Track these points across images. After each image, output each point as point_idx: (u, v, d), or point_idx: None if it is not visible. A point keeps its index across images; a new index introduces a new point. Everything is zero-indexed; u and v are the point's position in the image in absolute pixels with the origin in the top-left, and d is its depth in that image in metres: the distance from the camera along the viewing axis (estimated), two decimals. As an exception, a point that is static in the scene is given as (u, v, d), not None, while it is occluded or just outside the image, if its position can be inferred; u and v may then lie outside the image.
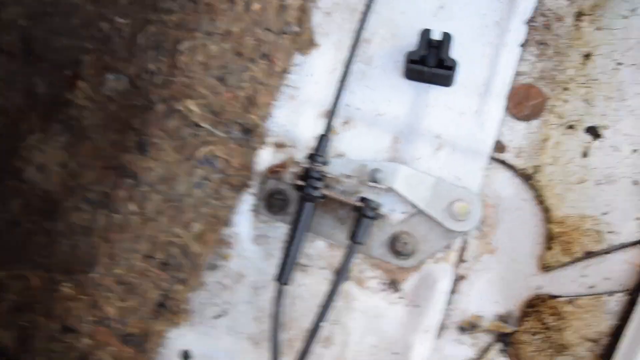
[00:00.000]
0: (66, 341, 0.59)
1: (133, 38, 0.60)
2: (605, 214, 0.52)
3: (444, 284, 0.56)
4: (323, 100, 0.59)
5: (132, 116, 0.59)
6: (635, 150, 0.52)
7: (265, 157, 0.59)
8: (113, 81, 0.60)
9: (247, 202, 0.59)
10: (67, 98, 0.63)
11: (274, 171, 0.59)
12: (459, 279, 0.57)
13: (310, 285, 0.58)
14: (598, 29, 0.55)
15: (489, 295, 0.57)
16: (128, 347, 0.58)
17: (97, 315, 0.58)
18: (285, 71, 0.59)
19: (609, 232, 0.52)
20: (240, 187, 0.58)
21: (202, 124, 0.57)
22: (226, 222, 0.59)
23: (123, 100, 0.60)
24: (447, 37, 0.55)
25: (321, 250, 0.58)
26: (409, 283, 0.57)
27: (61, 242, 0.60)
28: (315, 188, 0.54)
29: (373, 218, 0.54)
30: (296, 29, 0.59)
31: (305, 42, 0.59)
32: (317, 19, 0.60)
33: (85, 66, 0.62)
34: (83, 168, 0.61)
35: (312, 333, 0.53)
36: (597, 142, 0.53)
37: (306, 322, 0.58)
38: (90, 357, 0.59)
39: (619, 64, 0.54)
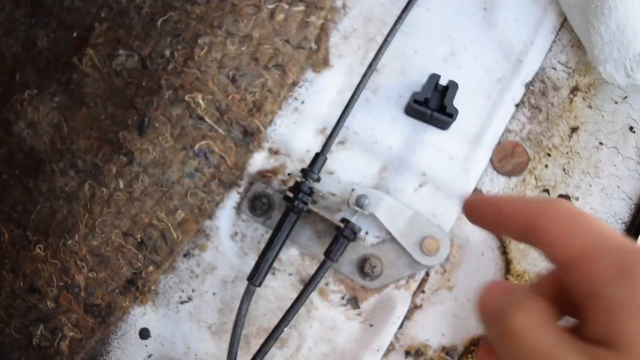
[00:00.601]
0: (30, 301, 0.61)
1: (153, 20, 0.61)
2: (561, 277, 0.58)
3: (401, 309, 0.60)
4: (325, 118, 0.62)
5: (137, 95, 0.61)
6: (598, 225, 0.58)
7: (258, 161, 0.62)
8: (124, 57, 0.61)
9: (232, 199, 0.62)
10: (71, 61, 0.64)
11: (264, 175, 0.62)
12: (414, 307, 0.62)
13: (276, 289, 0.62)
14: (589, 107, 0.60)
15: (439, 327, 0.61)
16: (90, 316, 0.60)
17: (65, 281, 0.60)
18: (295, 84, 0.62)
19: (562, 295, 0.57)
20: (229, 185, 0.61)
21: (206, 119, 0.60)
22: (209, 215, 0.61)
23: (130, 78, 0.61)
24: (453, 85, 0.59)
25: (293, 257, 0.62)
26: (369, 303, 0.61)
27: (41, 203, 0.61)
28: (304, 202, 0.57)
29: (351, 240, 0.58)
30: (314, 46, 0.62)
31: (319, 61, 0.62)
32: (334, 40, 0.63)
33: (96, 34, 0.63)
34: (76, 134, 0.62)
35: (273, 334, 0.57)
36: (566, 211, 0.59)
37: (266, 322, 0.62)
38: (51, 320, 0.60)
39: (601, 143, 0.59)
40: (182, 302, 0.62)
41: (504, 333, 0.31)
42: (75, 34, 0.64)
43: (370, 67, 0.59)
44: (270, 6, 0.60)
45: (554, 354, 0.30)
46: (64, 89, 0.63)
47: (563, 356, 0.29)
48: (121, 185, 0.60)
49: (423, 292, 0.62)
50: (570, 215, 0.34)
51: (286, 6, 0.60)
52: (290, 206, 0.58)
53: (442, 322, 0.61)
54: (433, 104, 0.60)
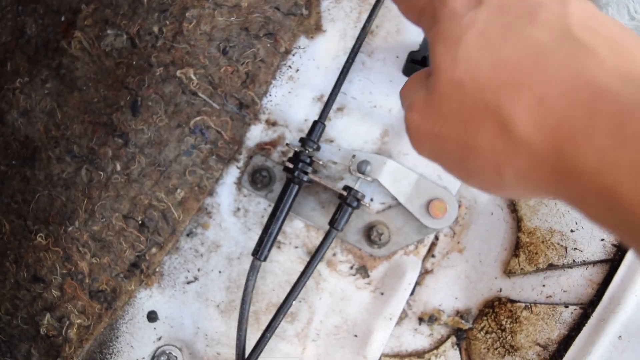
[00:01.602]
0: (34, 290, 0.61)
1: (137, -4, 0.61)
2: (573, 231, 0.57)
3: (412, 275, 0.60)
4: (321, 85, 0.62)
5: (128, 75, 0.61)
6: (609, 175, 0.57)
7: (256, 133, 0.62)
8: (112, 37, 0.62)
9: (232, 174, 0.62)
10: (60, 45, 0.64)
11: (263, 148, 0.62)
12: (425, 272, 0.62)
13: (283, 262, 0.62)
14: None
15: (452, 291, 0.61)
16: (96, 302, 0.61)
17: (69, 269, 0.60)
18: (288, 52, 0.61)
19: (574, 249, 0.57)
20: (228, 160, 0.61)
21: (199, 94, 0.60)
22: (210, 192, 0.62)
23: (120, 57, 0.61)
24: (449, 41, 0.59)
25: (298, 230, 0.62)
26: (378, 271, 0.62)
27: (39, 192, 0.62)
28: (304, 172, 0.57)
29: (355, 207, 0.58)
30: (305, 11, 0.61)
31: (311, 26, 0.62)
32: (326, 4, 0.62)
33: (83, 16, 0.63)
34: (70, 119, 0.62)
35: (281, 309, 0.57)
36: (575, 163, 0.58)
37: (275, 297, 0.62)
38: (57, 309, 0.61)
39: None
40: (188, 282, 0.62)
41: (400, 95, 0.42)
42: (62, 18, 0.64)
43: (364, 30, 0.58)
44: (257, -27, 0.60)
45: (410, 103, 0.37)
46: (55, 75, 0.63)
47: (414, 99, 0.37)
48: (118, 167, 0.60)
49: (433, 256, 0.62)
50: None
51: (273, -28, 0.60)
52: (291, 177, 0.58)
53: (455, 285, 0.61)
54: (431, 63, 0.59)
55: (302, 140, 0.58)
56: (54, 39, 0.64)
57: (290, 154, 0.60)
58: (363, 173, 0.59)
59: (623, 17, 0.56)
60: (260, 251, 0.58)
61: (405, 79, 0.61)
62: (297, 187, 0.58)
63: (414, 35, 0.61)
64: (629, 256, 0.54)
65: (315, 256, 0.58)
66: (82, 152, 0.61)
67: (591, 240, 0.57)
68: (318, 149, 0.59)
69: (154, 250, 0.60)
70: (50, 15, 0.65)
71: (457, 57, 0.33)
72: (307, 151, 0.58)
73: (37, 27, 0.66)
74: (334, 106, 0.61)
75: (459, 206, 0.61)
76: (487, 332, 0.59)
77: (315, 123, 0.58)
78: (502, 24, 0.33)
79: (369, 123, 0.62)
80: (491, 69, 0.32)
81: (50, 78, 0.63)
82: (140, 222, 0.60)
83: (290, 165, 0.57)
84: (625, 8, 0.55)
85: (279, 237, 0.62)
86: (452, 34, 0.34)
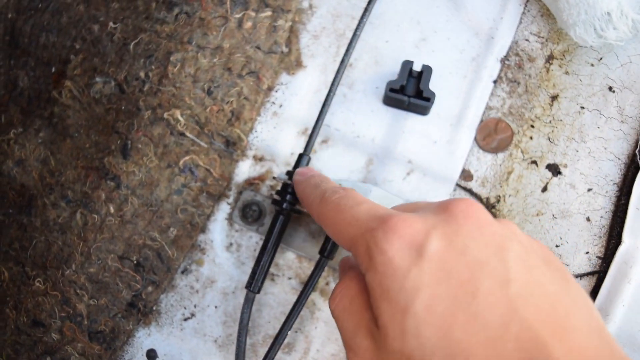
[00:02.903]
0: (34, 335, 0.64)
1: (125, 45, 0.66)
2: (557, 246, 0.60)
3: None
4: (305, 119, 0.65)
5: (117, 120, 0.65)
6: (590, 189, 0.60)
7: (244, 169, 0.65)
8: (100, 84, 0.66)
9: (223, 210, 0.65)
10: (52, 95, 0.68)
11: (252, 183, 0.65)
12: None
13: (277, 294, 0.65)
14: (566, 73, 0.63)
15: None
16: (96, 343, 0.64)
17: (67, 312, 0.63)
18: (271, 89, 0.65)
19: (561, 264, 0.60)
20: (218, 196, 0.65)
21: (187, 134, 0.64)
22: (202, 229, 0.65)
23: (109, 103, 0.65)
24: (427, 69, 0.63)
25: (290, 261, 0.65)
26: (373, 299, 0.64)
27: (36, 238, 0.65)
28: (291, 203, 0.61)
29: (344, 235, 0.61)
30: (285, 49, 0.66)
31: (292, 63, 0.66)
32: (305, 41, 0.66)
33: (72, 66, 0.68)
34: (63, 166, 0.66)
35: (277, 339, 0.60)
36: (556, 179, 0.61)
37: (271, 329, 0.65)
38: (57, 352, 0.64)
39: (582, 107, 0.62)
40: (185, 319, 0.65)
41: (332, 314, 0.40)
42: (53, 69, 0.69)
43: (343, 63, 0.62)
44: (238, 15, 0.64)
45: (351, 340, 0.37)
46: (48, 124, 0.67)
47: (357, 341, 0.37)
48: (112, 210, 0.64)
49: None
50: (341, 208, 0.41)
51: (253, 13, 0.64)
52: (279, 209, 0.61)
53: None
54: (410, 91, 0.63)
55: (288, 172, 0.61)
56: (45, 89, 0.68)
57: (279, 187, 0.64)
58: (349, 201, 0.62)
59: (590, 36, 0.59)
60: (253, 283, 0.61)
61: (386, 108, 0.65)
62: (285, 218, 0.61)
63: (391, 66, 0.65)
64: (614, 267, 0.57)
65: (307, 286, 0.60)
66: (76, 196, 0.64)
67: (576, 253, 0.59)
68: (304, 180, 0.62)
69: (150, 289, 0.64)
70: (41, 67, 0.69)
71: (406, 329, 0.33)
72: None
73: (29, 79, 0.70)
74: (319, 138, 0.65)
75: (447, 229, 0.64)
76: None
77: (300, 155, 0.62)
78: (448, 294, 0.33)
79: (353, 153, 0.65)
80: (443, 353, 0.32)
81: (43, 127, 0.67)
82: (135, 262, 0.63)
83: (278, 198, 0.61)
84: (591, 27, 0.59)
85: (273, 270, 0.65)
86: (397, 298, 0.34)
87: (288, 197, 0.60)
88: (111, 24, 0.67)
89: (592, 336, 0.32)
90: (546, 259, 0.36)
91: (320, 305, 0.64)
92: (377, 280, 0.35)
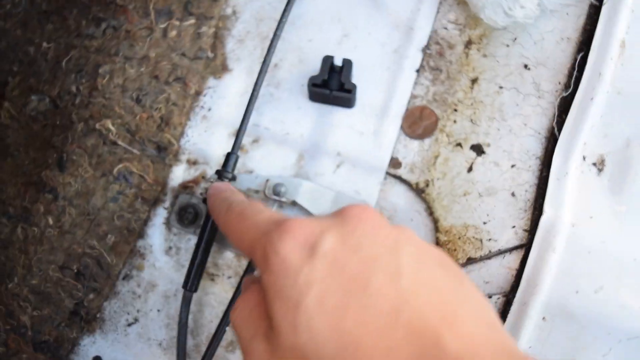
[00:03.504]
0: (-18, 350, 0.66)
1: (57, 62, 0.69)
2: (485, 223, 0.61)
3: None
4: (234, 120, 0.68)
5: (53, 135, 0.67)
6: (513, 165, 0.62)
7: (178, 174, 0.68)
8: (36, 101, 0.69)
9: (160, 215, 0.67)
10: (-7, 118, 0.71)
11: (186, 186, 0.68)
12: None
13: (218, 294, 0.66)
14: (484, 56, 0.65)
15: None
16: (40, 354, 0.65)
17: (11, 324, 0.65)
18: (199, 93, 0.68)
19: (489, 240, 0.61)
20: (153, 201, 0.67)
21: (119, 142, 0.66)
22: (140, 234, 0.67)
23: (45, 119, 0.68)
24: (347, 62, 0.65)
25: (229, 260, 0.66)
26: (312, 292, 0.66)
27: (-19, 255, 0.68)
28: (222, 200, 0.63)
29: (275, 228, 0.63)
30: (210, 54, 0.68)
31: (218, 67, 0.69)
32: (230, 45, 0.69)
33: (10, 87, 0.71)
34: (4, 184, 0.69)
35: (216, 335, 0.61)
36: (480, 158, 0.63)
37: (213, 328, 0.66)
38: (5, 366, 0.66)
39: (501, 87, 0.64)
40: (129, 325, 0.67)
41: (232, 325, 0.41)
42: (-7, 93, 0.72)
43: (265, 63, 0.65)
44: (162, 25, 0.67)
45: (248, 346, 0.38)
46: (-10, 145, 0.71)
47: (253, 346, 0.37)
48: (50, 221, 0.66)
49: (362, 269, 0.66)
50: (243, 217, 0.43)
51: (177, 22, 0.68)
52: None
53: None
54: (334, 85, 0.65)
55: (217, 172, 0.64)
56: (-14, 113, 0.72)
57: (212, 188, 0.66)
58: (278, 195, 0.64)
59: (499, 16, 0.62)
60: (189, 283, 0.63)
61: (312, 104, 0.67)
62: (218, 216, 0.63)
63: (315, 64, 0.67)
64: (538, 238, 0.58)
65: (241, 281, 0.62)
66: (16, 212, 0.67)
67: (503, 229, 0.61)
68: (234, 178, 0.64)
69: (91, 296, 0.65)
70: (-17, 92, 0.73)
71: (297, 324, 0.34)
72: (223, 182, 0.63)
73: (-26, 106, 0.73)
74: (250, 138, 0.67)
75: (380, 217, 0.65)
76: (421, 336, 0.62)
77: (228, 154, 0.64)
78: (340, 288, 0.34)
79: (284, 150, 0.67)
80: (334, 345, 0.32)
81: (-15, 149, 0.71)
82: (76, 270, 0.65)
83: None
84: (500, 7, 0.61)
85: (212, 270, 0.66)
86: (289, 294, 0.35)
87: (218, 195, 0.63)
88: (45, 44, 0.70)
89: (481, 326, 0.33)
90: (441, 261, 0.38)
91: (260, 302, 0.66)
92: (271, 281, 0.36)
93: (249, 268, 0.62)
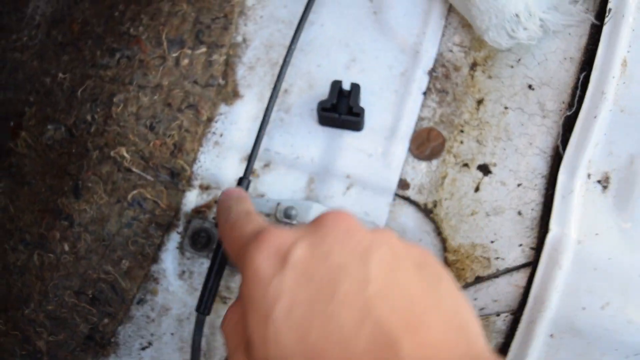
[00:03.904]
0: (-1, 375, 0.68)
1: (73, 92, 0.72)
2: (493, 242, 0.63)
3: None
4: (246, 145, 0.70)
5: (69, 163, 0.70)
6: (519, 184, 0.63)
7: (191, 199, 0.70)
8: (52, 131, 0.72)
9: (174, 240, 0.69)
10: (10, 147, 0.74)
11: (199, 211, 0.70)
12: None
13: (231, 317, 0.68)
14: (489, 77, 0.67)
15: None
16: (59, 379, 0.67)
17: (28, 349, 0.67)
18: (210, 120, 0.70)
19: (496, 258, 0.62)
20: (167, 226, 0.69)
21: (133, 169, 0.69)
22: (154, 259, 0.69)
23: (61, 148, 0.71)
24: (355, 87, 0.67)
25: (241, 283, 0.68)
26: (323, 313, 0.67)
27: (-1, 282, 0.70)
28: (233, 223, 0.65)
29: (286, 251, 0.65)
30: (221, 81, 0.71)
31: (229, 94, 0.71)
32: (241, 72, 0.72)
33: (27, 117, 0.74)
34: (21, 212, 0.71)
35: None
36: (487, 178, 0.65)
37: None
38: (23, 391, 0.68)
39: (506, 108, 0.66)
40: (143, 349, 0.68)
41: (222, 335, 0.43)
42: (11, 123, 0.75)
43: (275, 89, 0.67)
44: (175, 54, 0.70)
45: (231, 359, 0.39)
46: (7, 174, 0.73)
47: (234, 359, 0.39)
48: (66, 248, 0.68)
49: (373, 290, 0.67)
50: (235, 227, 0.45)
51: (189, 51, 0.70)
52: (222, 231, 0.65)
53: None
54: (343, 109, 0.67)
55: (228, 195, 0.66)
56: (4, 143, 0.74)
57: (224, 212, 0.68)
58: (289, 218, 0.66)
59: (503, 38, 0.64)
60: (202, 306, 0.64)
61: (322, 128, 0.69)
62: (229, 240, 0.65)
63: (325, 89, 0.69)
64: (545, 255, 0.59)
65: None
66: (33, 239, 0.69)
67: (510, 247, 0.62)
68: (245, 202, 0.66)
69: (106, 320, 0.67)
70: (0, 122, 0.76)
71: (266, 337, 0.35)
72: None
73: (-8, 136, 0.76)
74: (261, 163, 0.69)
75: (390, 238, 0.67)
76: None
77: (240, 179, 0.66)
78: (307, 299, 0.35)
79: (294, 174, 0.69)
80: (301, 358, 0.33)
81: (3, 178, 0.73)
82: (91, 296, 0.67)
83: (220, 220, 0.65)
84: (503, 30, 0.63)
85: (225, 293, 0.68)
86: (260, 306, 0.35)
87: (229, 218, 0.64)
88: (60, 74, 0.73)
89: (449, 331, 0.34)
90: (420, 262, 0.38)
91: (272, 324, 0.67)
92: (246, 291, 0.38)
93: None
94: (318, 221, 0.40)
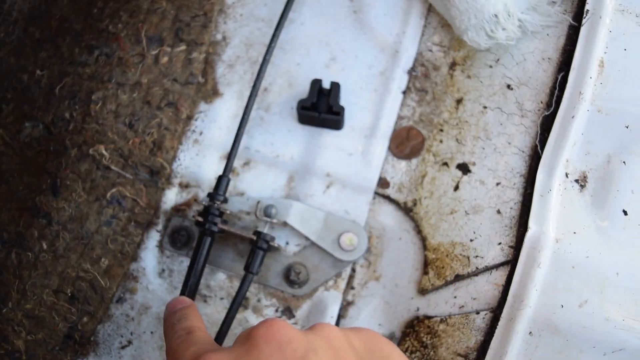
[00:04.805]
0: (-23, 375, 0.67)
1: (51, 89, 0.71)
2: (472, 240, 0.63)
3: (334, 309, 0.65)
4: (225, 144, 0.69)
5: (47, 160, 0.69)
6: (498, 183, 0.63)
7: (171, 197, 0.69)
8: (29, 128, 0.70)
9: (153, 238, 0.69)
10: (-13, 145, 0.73)
11: (179, 209, 0.69)
12: (347, 304, 0.67)
13: (211, 315, 0.67)
14: (468, 77, 0.67)
15: (375, 318, 0.66)
16: (37, 379, 0.66)
17: (6, 349, 0.66)
18: (190, 118, 0.70)
19: (476, 257, 0.62)
20: (146, 225, 0.68)
21: (112, 167, 0.68)
22: (133, 257, 0.68)
23: (39, 146, 0.70)
24: (335, 85, 0.67)
25: (222, 281, 0.68)
26: (302, 310, 0.67)
27: (-24, 281, 0.69)
28: (214, 224, 0.64)
29: (266, 250, 0.64)
30: (201, 79, 0.70)
31: (209, 92, 0.70)
32: (220, 70, 0.71)
33: (4, 114, 0.73)
34: (-1, 210, 0.70)
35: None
36: (466, 177, 0.65)
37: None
38: (0, 391, 0.67)
39: (485, 107, 0.66)
40: (122, 347, 0.68)
41: None
42: (-12, 121, 0.74)
43: (254, 87, 0.67)
44: (154, 52, 0.69)
45: None
46: (-16, 172, 0.72)
47: None
48: (44, 246, 0.67)
49: (352, 288, 0.67)
50: (177, 350, 0.46)
51: (168, 49, 0.69)
52: (202, 230, 0.64)
53: (376, 313, 0.66)
54: (322, 108, 0.67)
55: (209, 195, 0.65)
56: (-19, 140, 0.73)
57: (204, 210, 0.67)
58: (269, 216, 0.65)
59: (482, 38, 0.64)
60: (182, 304, 0.64)
61: (302, 126, 0.69)
62: (209, 238, 0.64)
63: (305, 87, 0.69)
64: (524, 253, 0.59)
65: (234, 302, 0.63)
66: (10, 237, 0.68)
67: (490, 246, 0.62)
68: (225, 201, 0.65)
69: (85, 319, 0.66)
70: (-23, 120, 0.74)
71: None
72: (215, 204, 0.64)
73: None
74: (241, 161, 0.69)
75: (370, 237, 0.67)
76: (412, 352, 0.63)
77: (220, 177, 0.66)
78: None
79: (274, 172, 0.69)
80: None
81: (-20, 176, 0.72)
82: (69, 294, 0.66)
83: (201, 219, 0.64)
84: (482, 30, 0.63)
85: (205, 291, 0.67)
86: None
87: (210, 217, 0.64)
88: (38, 71, 0.72)
89: None
90: (366, 350, 0.40)
91: (252, 322, 0.67)
92: None
93: (241, 290, 0.63)
94: (249, 336, 0.41)
